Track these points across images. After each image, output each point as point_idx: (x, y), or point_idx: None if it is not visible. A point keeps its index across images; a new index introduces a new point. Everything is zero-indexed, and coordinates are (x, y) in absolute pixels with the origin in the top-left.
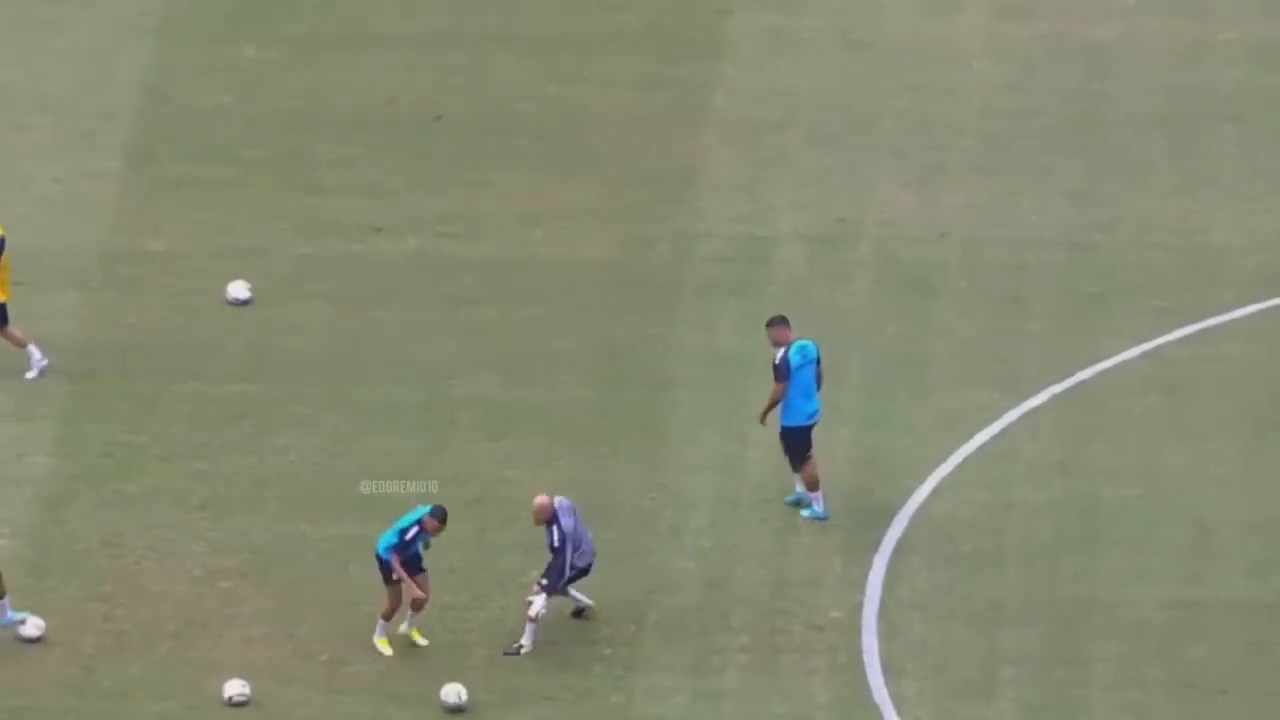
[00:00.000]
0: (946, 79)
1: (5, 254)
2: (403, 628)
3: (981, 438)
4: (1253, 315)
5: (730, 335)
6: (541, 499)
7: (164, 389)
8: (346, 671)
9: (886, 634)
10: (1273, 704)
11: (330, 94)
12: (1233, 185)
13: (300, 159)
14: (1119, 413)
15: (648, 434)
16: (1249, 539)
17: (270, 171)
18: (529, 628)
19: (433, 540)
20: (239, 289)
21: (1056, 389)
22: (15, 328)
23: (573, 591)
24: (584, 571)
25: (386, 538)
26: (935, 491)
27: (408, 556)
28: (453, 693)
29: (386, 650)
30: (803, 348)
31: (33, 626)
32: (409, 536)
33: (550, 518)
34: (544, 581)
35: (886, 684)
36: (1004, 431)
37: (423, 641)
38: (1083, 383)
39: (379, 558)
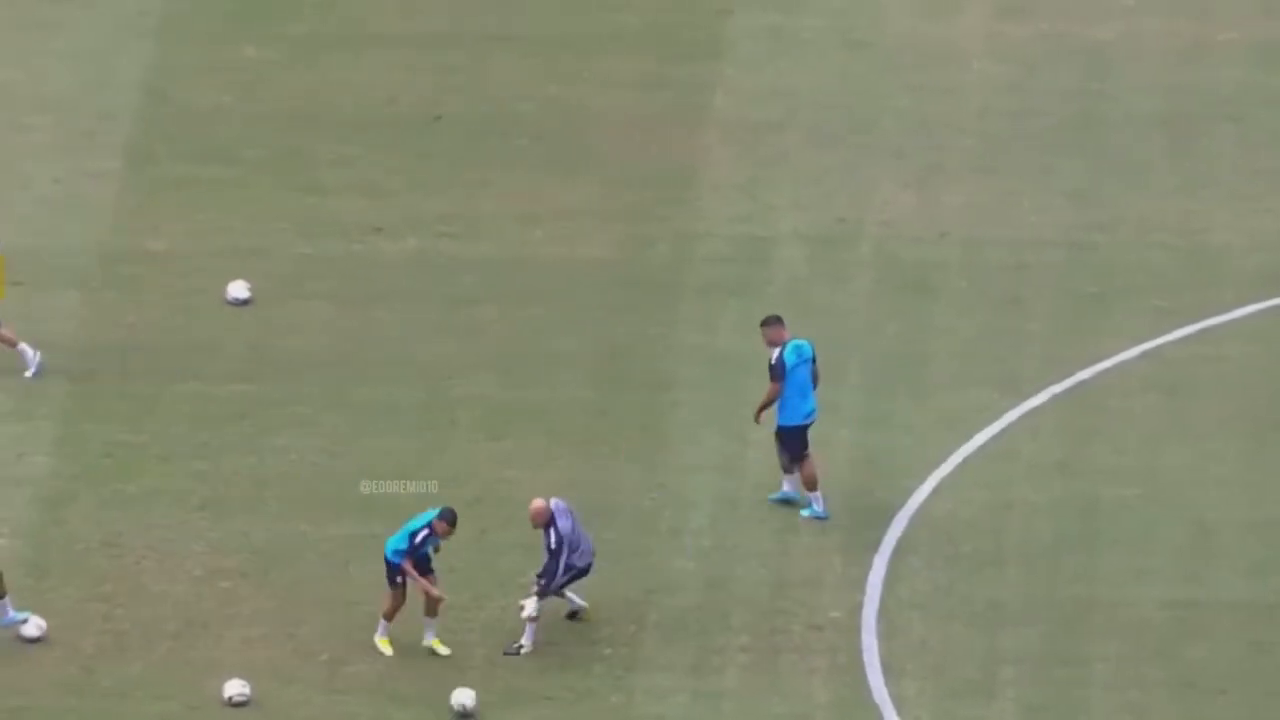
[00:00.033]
0: (946, 79)
1: None
2: (426, 640)
3: (981, 438)
4: (1253, 315)
5: (730, 335)
6: (538, 502)
7: (164, 389)
8: (346, 671)
9: (886, 634)
10: (1273, 704)
11: (330, 94)
12: (1233, 185)
13: (300, 159)
14: (1119, 413)
15: (648, 434)
16: (1249, 539)
17: (270, 171)
18: (529, 628)
19: (443, 543)
20: (239, 289)
21: (1056, 389)
22: (5, 328)
23: (568, 593)
24: (584, 572)
25: (395, 541)
26: (935, 491)
27: (417, 559)
28: (466, 697)
29: (387, 650)
30: (798, 347)
31: (34, 626)
32: (419, 540)
33: (548, 521)
34: (539, 584)
35: (886, 684)
36: (1004, 431)
37: (445, 650)
38: (1083, 383)
39: (387, 561)
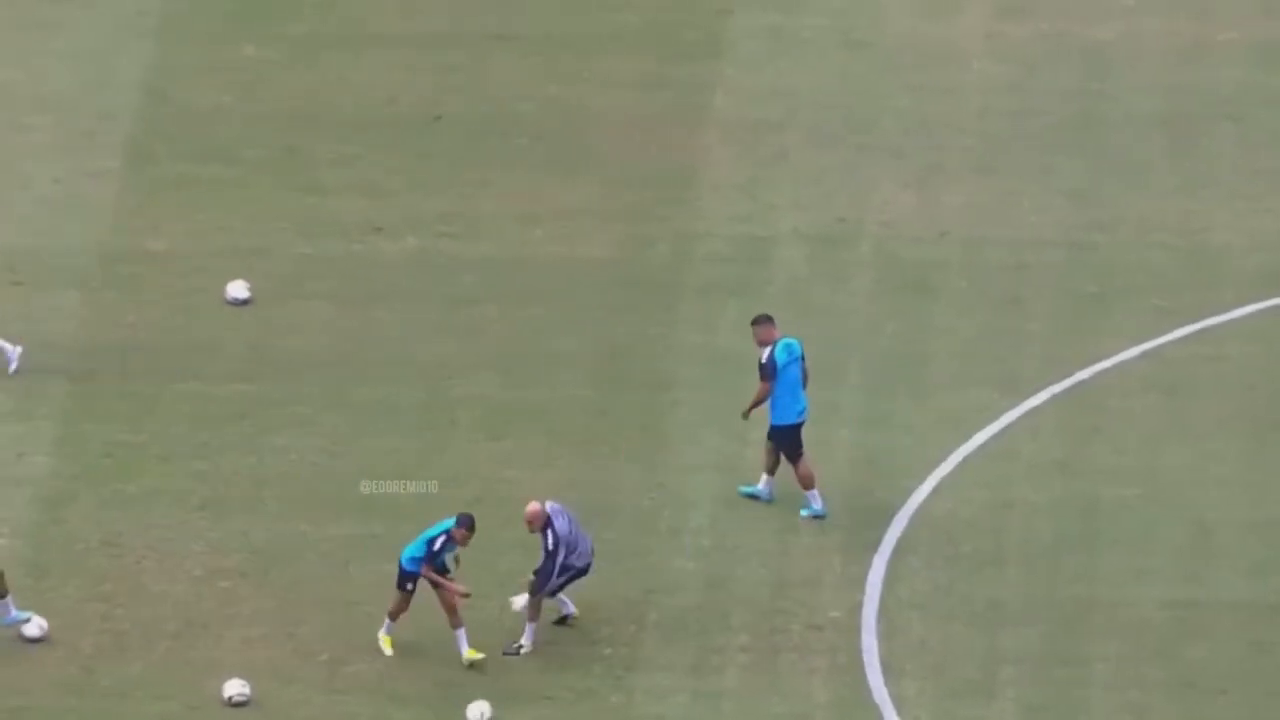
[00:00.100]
0: (946, 79)
1: None
2: (462, 655)
3: (981, 437)
4: (1252, 315)
5: (730, 335)
6: (533, 506)
7: (164, 389)
8: (346, 671)
9: (886, 634)
10: (1273, 704)
11: (330, 94)
12: (1233, 185)
13: (300, 159)
14: (1119, 413)
15: (648, 434)
16: (1249, 539)
17: (270, 171)
18: (529, 628)
19: (460, 550)
20: (239, 289)
21: (1056, 389)
22: None
23: (562, 597)
24: (582, 572)
25: (413, 549)
26: (935, 491)
27: (436, 567)
28: (483, 709)
29: (387, 650)
30: (788, 345)
31: (35, 626)
32: (437, 547)
33: (544, 523)
34: (535, 584)
35: (886, 684)
36: (1004, 431)
37: (480, 656)
38: (1082, 382)
39: (402, 568)
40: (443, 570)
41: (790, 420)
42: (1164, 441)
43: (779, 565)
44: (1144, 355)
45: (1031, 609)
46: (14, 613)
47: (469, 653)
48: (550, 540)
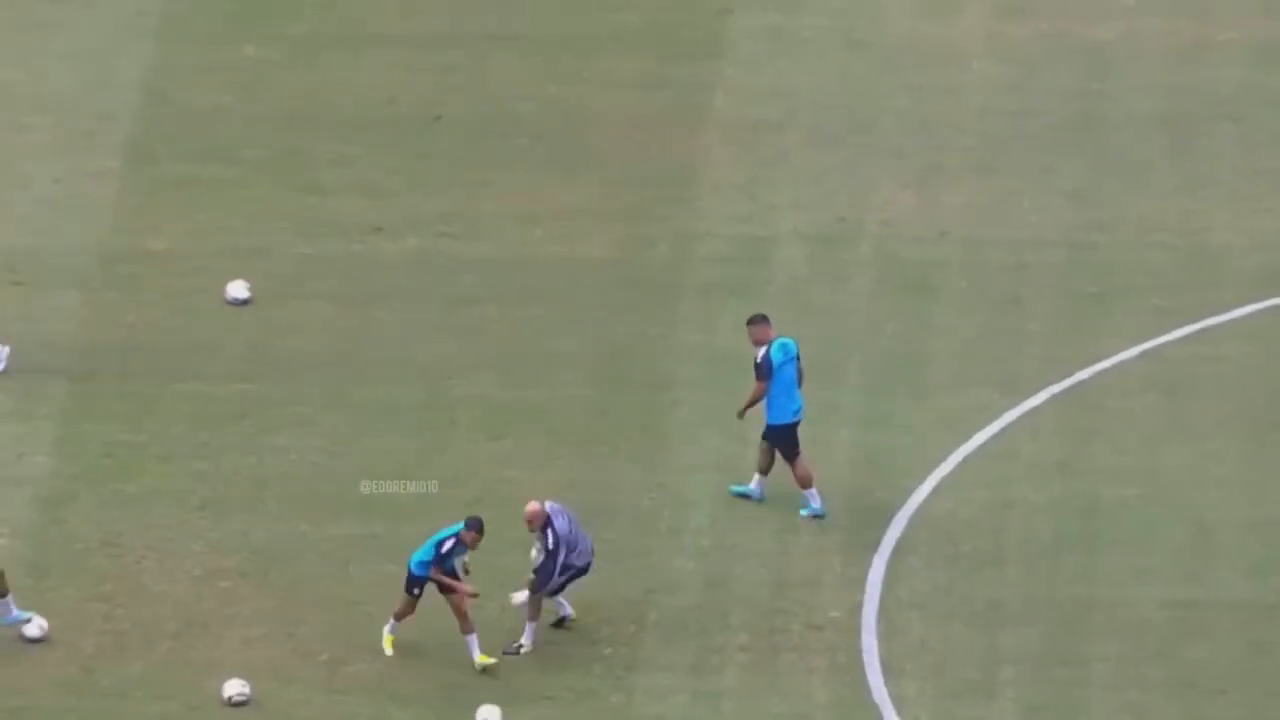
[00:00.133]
0: (946, 79)
1: None
2: (475, 660)
3: (981, 438)
4: (1252, 315)
5: (730, 335)
6: (533, 505)
7: (164, 389)
8: (346, 671)
9: (886, 634)
10: (1273, 704)
11: (330, 94)
12: (1233, 185)
13: (300, 159)
14: (1118, 413)
15: (647, 434)
16: (1249, 539)
17: (270, 171)
18: (529, 627)
19: (470, 553)
20: (239, 289)
21: (1056, 389)
22: None
23: (560, 599)
24: (582, 571)
25: (421, 553)
26: (935, 491)
27: (444, 571)
28: (492, 714)
29: (389, 650)
30: (783, 345)
31: (36, 627)
32: (445, 550)
33: (544, 523)
34: (535, 583)
35: (886, 684)
36: (1004, 431)
37: (492, 660)
38: (1082, 382)
39: (410, 572)
40: (452, 574)
41: (786, 420)
42: (1164, 441)
43: (779, 565)
44: (1144, 355)
45: (1031, 609)
46: (15, 612)
47: (480, 657)
48: (551, 539)
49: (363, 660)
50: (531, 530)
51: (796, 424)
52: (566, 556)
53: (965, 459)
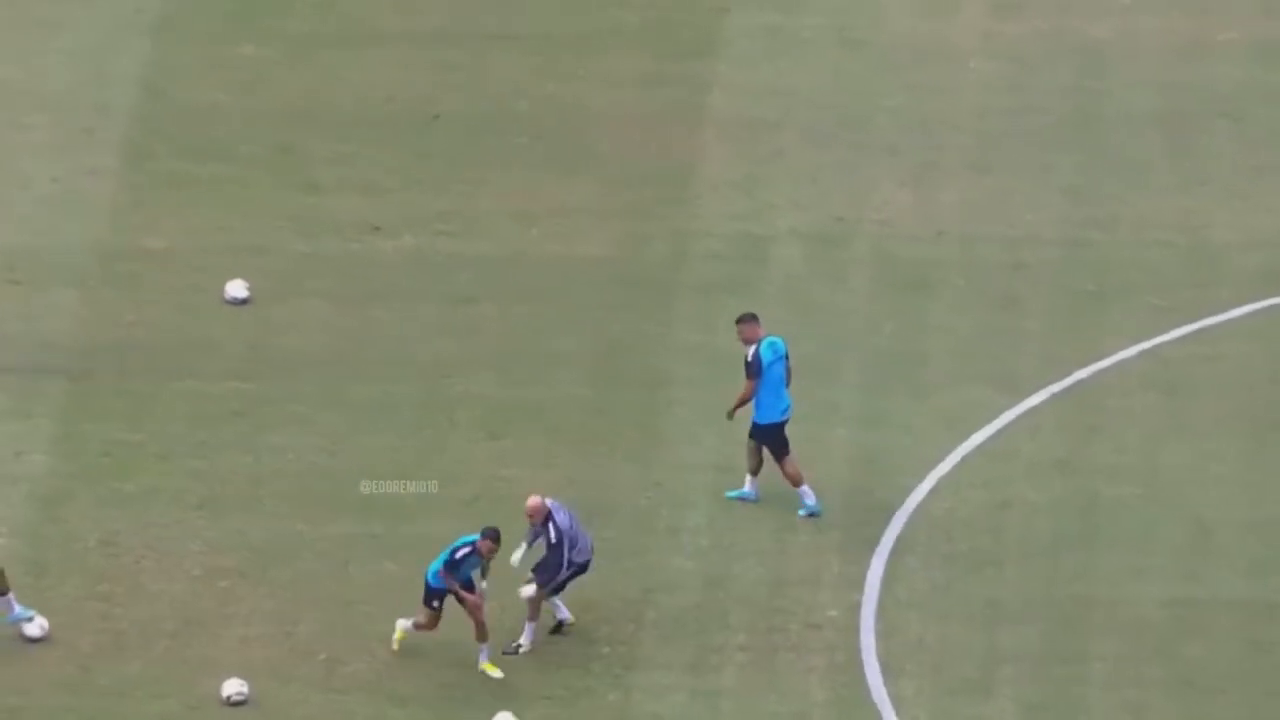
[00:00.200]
0: (943, 77)
1: None
2: (480, 663)
3: (979, 436)
4: (1251, 314)
5: (728, 334)
6: (534, 499)
7: (162, 387)
8: (344, 671)
9: (884, 633)
10: (1272, 703)
11: (328, 92)
12: (1231, 183)
13: (298, 157)
14: (1117, 411)
15: (645, 432)
16: (1248, 538)
17: (268, 169)
18: (528, 627)
19: (486, 563)
20: (237, 288)
21: (1054, 388)
22: None
23: (557, 601)
24: (582, 569)
25: (437, 563)
26: (933, 490)
27: (460, 580)
28: None
29: (396, 643)
30: (772, 344)
31: (37, 627)
32: (459, 557)
33: (545, 516)
34: (541, 578)
35: (885, 683)
36: (1002, 430)
37: (497, 673)
38: (1081, 381)
39: (427, 584)
40: (467, 584)
41: (775, 419)
42: (1163, 440)
43: (777, 564)
44: (1142, 354)
45: (1030, 608)
46: (17, 610)
47: (487, 666)
48: (553, 533)
49: (361, 659)
50: (532, 524)
51: (785, 423)
52: (568, 552)
53: (964, 458)
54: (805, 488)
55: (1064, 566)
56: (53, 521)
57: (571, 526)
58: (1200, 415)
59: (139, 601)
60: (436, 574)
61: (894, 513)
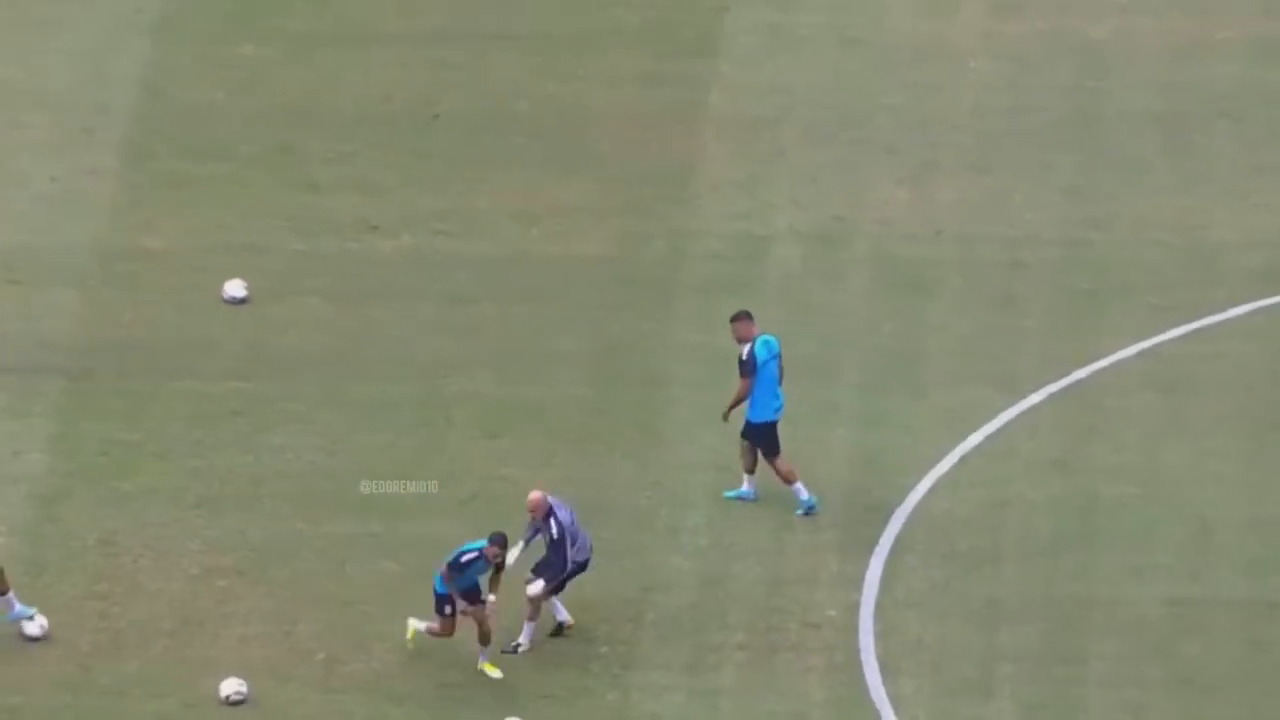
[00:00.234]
0: (942, 76)
1: None
2: (479, 663)
3: (978, 436)
4: (1250, 313)
5: (727, 333)
6: (535, 494)
7: (160, 387)
8: (343, 670)
9: (883, 632)
10: (1271, 702)
11: (327, 91)
12: (1230, 182)
13: (297, 156)
14: (1116, 411)
15: (644, 431)
16: (1247, 537)
17: (267, 168)
18: (527, 626)
19: (496, 573)
20: (235, 287)
21: (1053, 387)
22: None
23: (556, 602)
24: (582, 567)
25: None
26: (932, 490)
27: (466, 584)
28: None
29: (410, 633)
30: (766, 342)
31: (37, 626)
32: (465, 561)
33: (547, 512)
34: (546, 574)
35: (883, 682)
36: (1001, 430)
37: (496, 674)
38: (1080, 381)
39: (436, 591)
40: (474, 588)
41: (768, 417)
42: (1162, 439)
43: (775, 564)
44: (1141, 353)
45: (1029, 607)
46: (17, 608)
47: (487, 665)
48: (554, 529)
49: (359, 659)
50: (533, 519)
51: (777, 422)
52: (571, 549)
53: (962, 457)
54: (799, 485)
55: (1063, 566)
56: (51, 521)
57: (572, 523)
58: (1199, 415)
59: (137, 601)
60: (442, 576)
61: (893, 512)
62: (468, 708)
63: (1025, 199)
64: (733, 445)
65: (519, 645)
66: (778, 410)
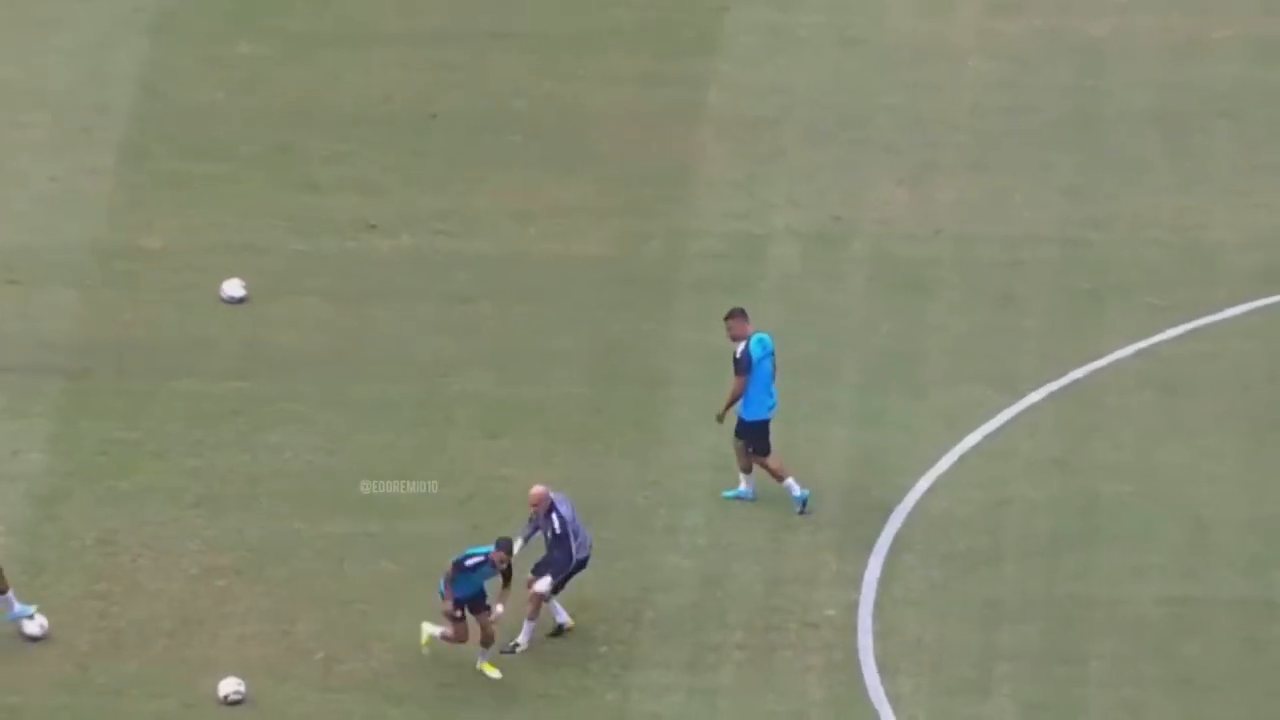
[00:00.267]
0: (941, 75)
1: None
2: (478, 663)
3: (977, 435)
4: (1248, 312)
5: (725, 332)
6: (538, 488)
7: (159, 386)
8: (341, 669)
9: (882, 632)
10: (1270, 702)
11: (326, 91)
12: (1228, 182)
13: (295, 156)
14: (1115, 410)
15: (643, 431)
16: (1246, 536)
17: (265, 168)
18: (527, 626)
19: (504, 582)
20: (234, 286)
21: (1052, 386)
22: None
23: (555, 603)
24: (582, 565)
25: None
26: (931, 489)
27: (471, 590)
28: None
29: (425, 636)
30: (761, 340)
31: (37, 625)
32: (469, 565)
33: (549, 507)
34: (551, 570)
35: (882, 682)
36: (1000, 429)
37: (495, 674)
38: (1079, 380)
39: (441, 596)
40: (479, 593)
41: (762, 415)
42: (1161, 439)
43: (774, 563)
44: (1140, 353)
45: (1028, 606)
46: (17, 607)
47: (485, 665)
48: (557, 524)
49: (358, 658)
50: (534, 515)
51: (770, 420)
52: (573, 543)
53: (961, 457)
54: (789, 480)
55: (1062, 565)
56: (50, 520)
57: (574, 518)
58: (1198, 414)
59: (136, 600)
60: (446, 580)
61: (892, 511)
62: (467, 708)
63: (1025, 199)
64: (730, 444)
65: (517, 645)
66: (771, 409)
